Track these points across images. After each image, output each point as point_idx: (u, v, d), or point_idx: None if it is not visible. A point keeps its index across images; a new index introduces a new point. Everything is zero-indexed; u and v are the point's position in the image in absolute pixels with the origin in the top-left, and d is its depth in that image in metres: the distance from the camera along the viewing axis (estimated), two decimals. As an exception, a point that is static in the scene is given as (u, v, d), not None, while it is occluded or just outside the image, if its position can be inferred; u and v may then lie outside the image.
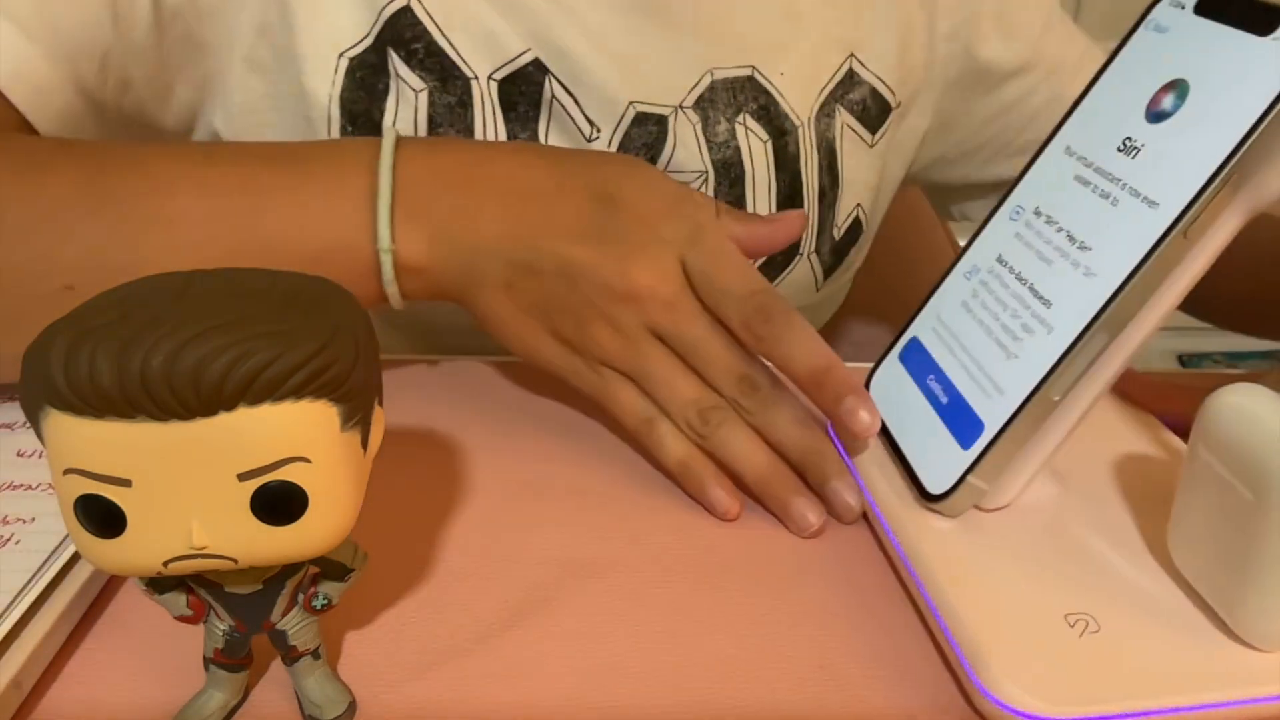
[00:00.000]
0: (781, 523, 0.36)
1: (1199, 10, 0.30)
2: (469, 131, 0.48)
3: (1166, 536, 0.30)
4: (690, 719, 0.28)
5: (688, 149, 0.51)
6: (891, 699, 0.29)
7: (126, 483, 0.22)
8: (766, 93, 0.53)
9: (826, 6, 0.54)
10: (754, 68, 0.52)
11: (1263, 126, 0.26)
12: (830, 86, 0.55)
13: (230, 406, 0.21)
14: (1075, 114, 0.34)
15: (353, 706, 0.28)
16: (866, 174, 0.58)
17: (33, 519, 0.33)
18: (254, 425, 0.22)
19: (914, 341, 0.37)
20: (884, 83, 0.57)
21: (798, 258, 0.56)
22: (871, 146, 0.58)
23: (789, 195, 0.55)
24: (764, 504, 0.36)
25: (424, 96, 0.47)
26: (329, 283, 0.25)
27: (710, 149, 0.51)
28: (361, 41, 0.46)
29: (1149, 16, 0.32)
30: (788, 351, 0.36)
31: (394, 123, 0.47)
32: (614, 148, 0.50)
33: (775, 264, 0.56)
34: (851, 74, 0.56)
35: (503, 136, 0.48)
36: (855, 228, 0.59)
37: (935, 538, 0.32)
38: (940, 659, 0.30)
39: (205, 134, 0.50)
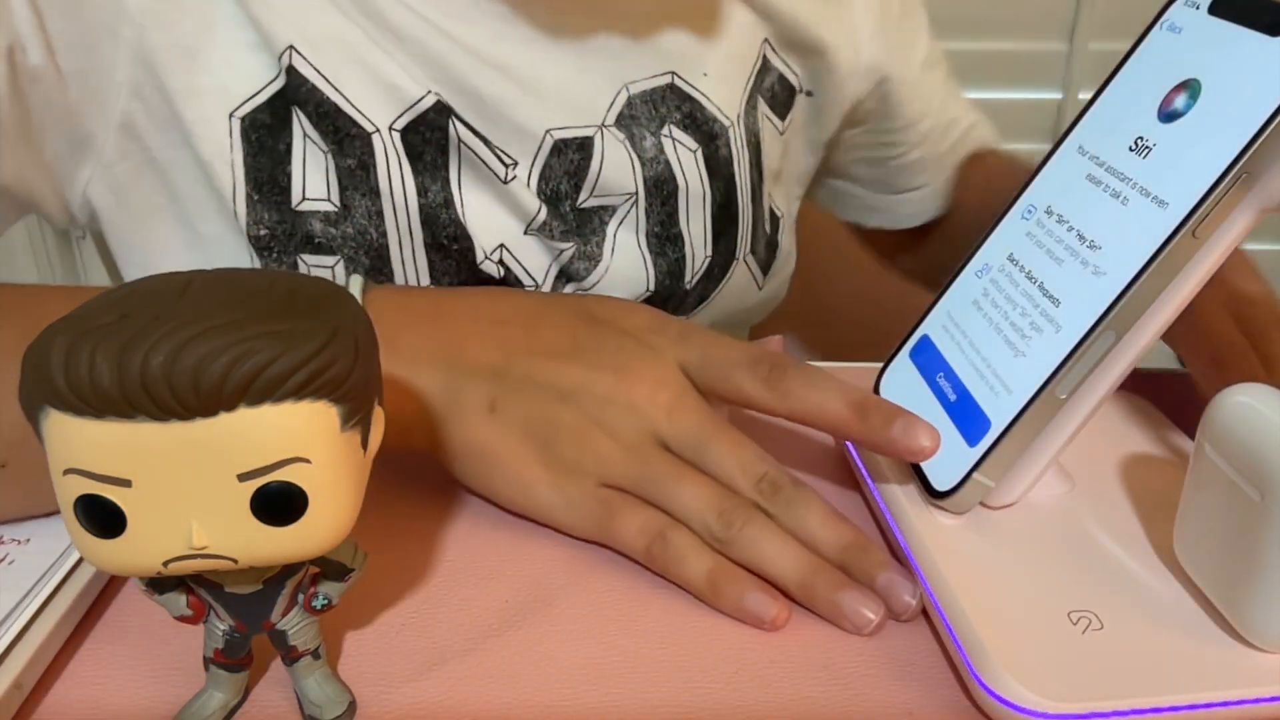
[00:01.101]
0: (834, 624, 0.31)
1: (1213, 10, 0.30)
2: (375, 193, 0.44)
3: (1172, 535, 0.30)
4: (690, 719, 0.28)
5: (618, 169, 0.48)
6: (893, 695, 0.29)
7: (126, 483, 0.21)
8: (690, 99, 0.51)
9: None
10: (674, 74, 0.50)
11: (1272, 126, 0.26)
12: (753, 78, 0.54)
13: (230, 407, 0.21)
14: (1089, 114, 0.34)
15: (353, 706, 0.28)
16: (779, 161, 0.57)
17: (27, 539, 0.33)
18: (254, 425, 0.21)
19: (925, 339, 0.37)
20: (790, 68, 0.56)
21: (735, 263, 0.54)
22: (782, 134, 0.57)
23: (723, 203, 0.52)
24: (810, 606, 0.31)
25: (330, 159, 0.44)
26: (329, 283, 0.25)
27: (642, 166, 0.49)
28: (254, 98, 0.43)
29: (1164, 17, 0.32)
30: (814, 397, 0.33)
31: (303, 186, 0.44)
32: (534, 181, 0.47)
33: (713, 275, 0.54)
34: (765, 61, 0.55)
35: (411, 189, 0.45)
36: (775, 218, 0.58)
37: (941, 534, 0.32)
38: (943, 655, 0.30)
39: (91, 218, 0.46)
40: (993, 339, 0.33)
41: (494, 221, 0.46)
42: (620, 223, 0.49)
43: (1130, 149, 0.31)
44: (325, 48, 0.43)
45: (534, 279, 0.48)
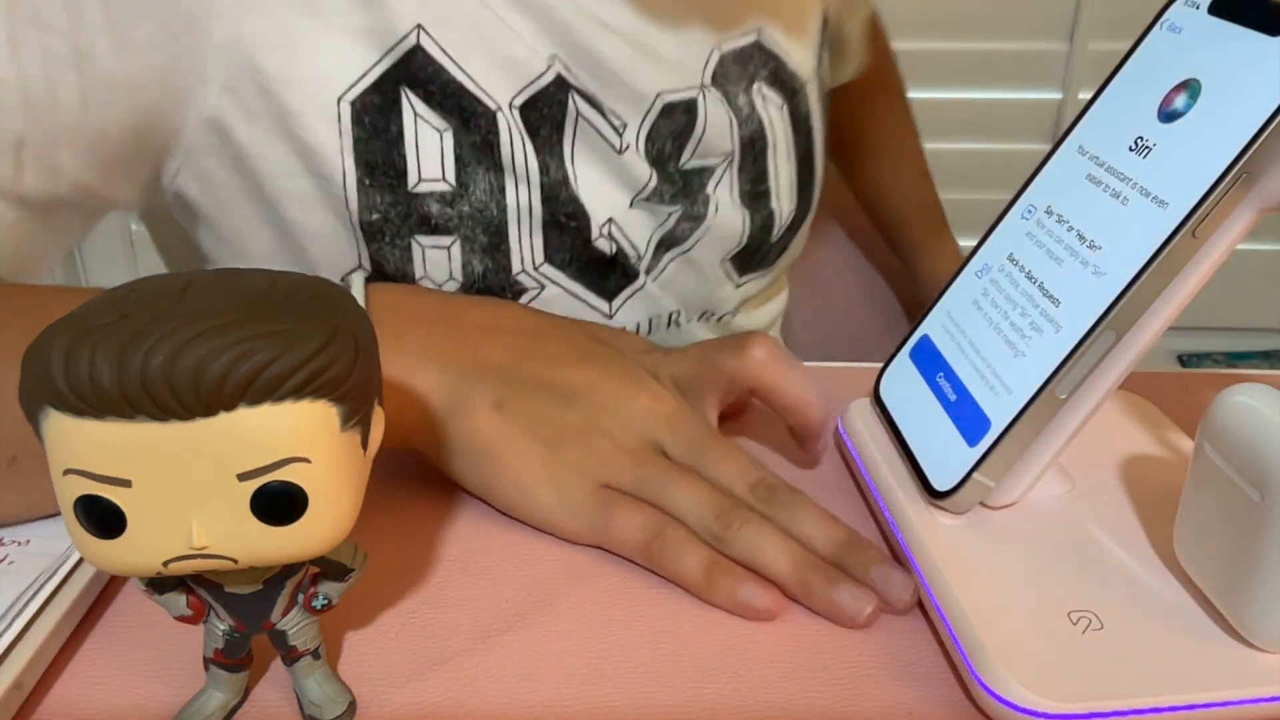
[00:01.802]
0: (829, 620, 0.31)
1: (1213, 10, 0.30)
2: (498, 169, 0.44)
3: (1172, 536, 0.30)
4: (690, 719, 0.28)
5: (718, 129, 0.49)
6: (893, 695, 0.29)
7: (126, 483, 0.21)
8: (774, 56, 0.52)
9: None
10: (758, 32, 0.52)
11: (1272, 126, 0.26)
12: (818, 34, 0.56)
13: (230, 406, 0.21)
14: (1089, 114, 0.34)
15: (353, 706, 0.28)
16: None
17: (27, 540, 0.33)
18: (254, 425, 0.21)
19: (925, 339, 0.37)
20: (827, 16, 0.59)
21: (811, 213, 0.58)
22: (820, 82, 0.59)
23: (803, 158, 0.55)
24: (806, 603, 0.32)
25: (449, 136, 0.43)
26: (329, 283, 0.25)
27: (740, 125, 0.51)
28: (360, 81, 0.42)
29: (1164, 17, 0.32)
30: (786, 377, 0.36)
31: (419, 167, 0.43)
32: (642, 140, 0.47)
33: (794, 226, 0.56)
34: (826, 17, 0.58)
35: (533, 166, 0.45)
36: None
37: (941, 534, 0.32)
38: (943, 655, 0.30)
39: (178, 206, 0.45)
40: (993, 339, 0.33)
41: (604, 195, 0.47)
42: (718, 183, 0.51)
43: (1130, 149, 0.31)
44: (452, 25, 0.42)
45: (638, 249, 0.49)
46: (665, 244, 0.50)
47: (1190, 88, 0.30)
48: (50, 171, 0.39)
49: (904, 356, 0.38)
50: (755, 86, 0.52)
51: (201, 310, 0.22)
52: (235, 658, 0.27)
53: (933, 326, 0.37)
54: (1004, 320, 0.33)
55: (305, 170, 0.43)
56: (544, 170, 0.45)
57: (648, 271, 0.50)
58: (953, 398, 0.34)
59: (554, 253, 0.47)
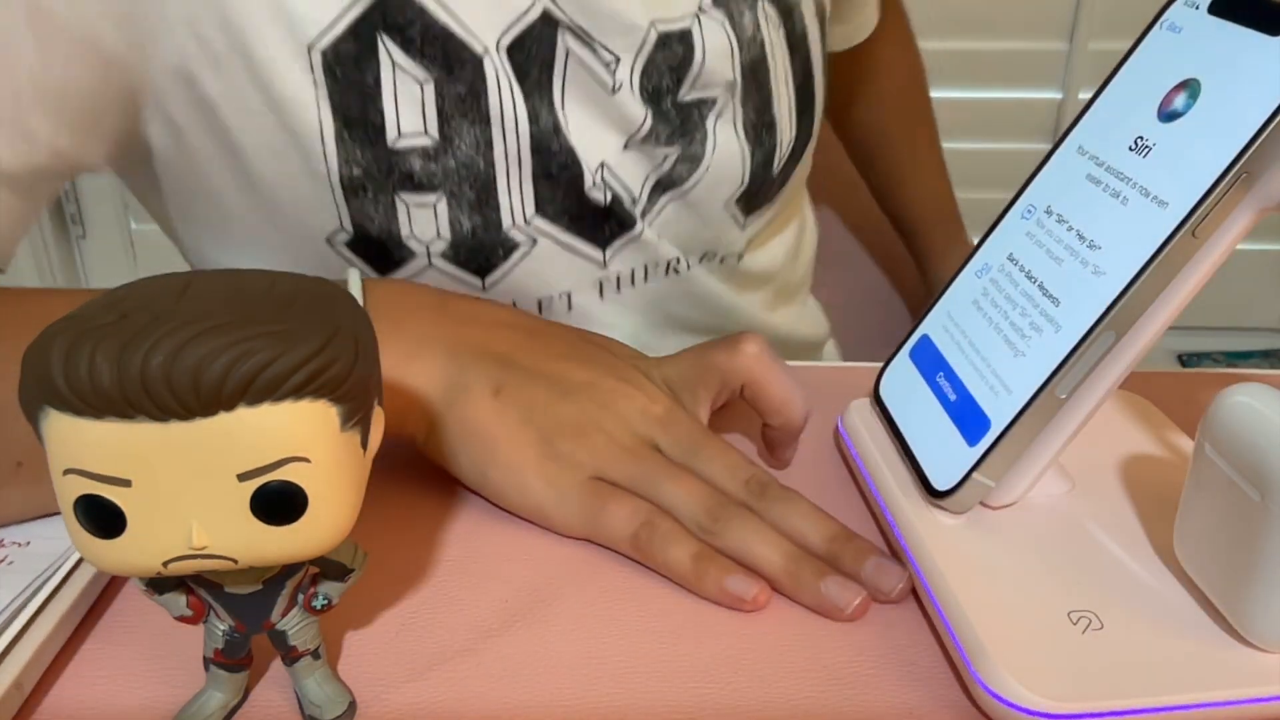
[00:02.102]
0: (818, 613, 0.32)
1: (1213, 10, 0.30)
2: (485, 121, 0.42)
3: (1172, 536, 0.30)
4: (690, 719, 0.28)
5: (719, 56, 0.47)
6: (894, 695, 0.29)
7: (126, 483, 0.21)
8: None
9: None
10: None
11: (1272, 126, 0.26)
12: None
13: (230, 406, 0.21)
14: (1089, 113, 0.34)
15: (353, 706, 0.28)
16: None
17: (27, 542, 0.33)
18: (254, 425, 0.21)
19: (925, 339, 0.37)
20: None
21: (811, 141, 0.55)
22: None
23: (802, 81, 0.52)
24: (794, 597, 0.32)
25: (429, 88, 0.41)
26: (329, 283, 0.25)
27: (741, 50, 0.48)
28: (334, 26, 0.39)
29: (1164, 16, 0.32)
30: (774, 377, 0.37)
31: (397, 122, 0.41)
32: (636, 75, 0.45)
33: (795, 156, 0.53)
34: None
35: (523, 114, 0.43)
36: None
37: (940, 534, 0.32)
38: (943, 655, 0.30)
39: (148, 163, 0.44)
40: (993, 339, 0.33)
41: (597, 139, 0.45)
42: (719, 117, 0.48)
43: (1130, 149, 0.31)
44: None
45: (632, 193, 0.47)
46: (662, 186, 0.48)
47: (1190, 88, 0.30)
48: (25, 139, 0.37)
49: (904, 356, 0.38)
50: (759, 5, 0.49)
51: (201, 310, 0.22)
52: (235, 658, 0.27)
53: (933, 326, 0.37)
54: (1004, 320, 0.33)
55: (279, 124, 0.41)
56: (533, 118, 0.43)
57: (643, 215, 0.48)
58: (953, 397, 0.34)
59: (545, 204, 0.45)
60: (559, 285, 0.48)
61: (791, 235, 0.60)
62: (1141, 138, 0.31)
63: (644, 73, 0.45)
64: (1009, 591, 0.30)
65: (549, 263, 0.47)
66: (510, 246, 0.45)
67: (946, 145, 0.82)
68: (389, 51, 0.40)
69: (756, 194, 0.52)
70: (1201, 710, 0.27)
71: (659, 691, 0.29)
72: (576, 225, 0.47)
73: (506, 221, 0.45)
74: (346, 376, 0.22)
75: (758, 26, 0.48)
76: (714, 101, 0.48)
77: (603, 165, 0.46)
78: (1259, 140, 0.26)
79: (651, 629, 0.31)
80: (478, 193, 0.44)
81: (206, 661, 0.27)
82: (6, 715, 0.27)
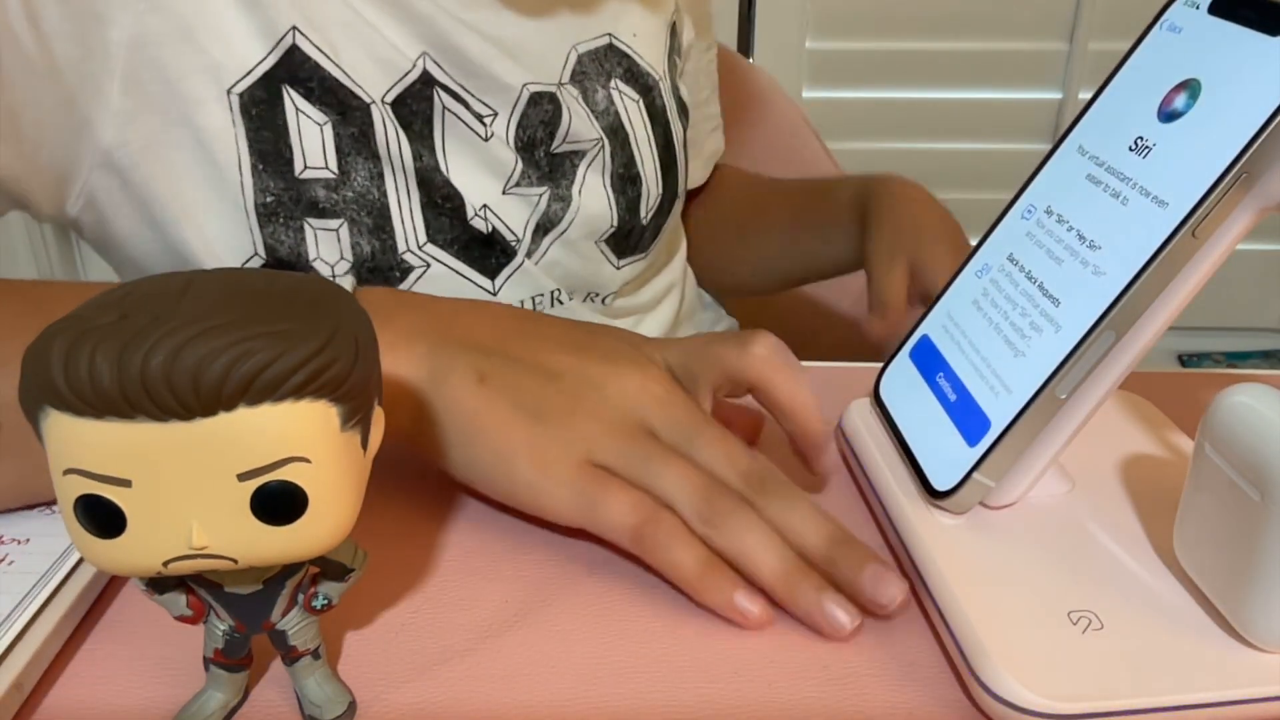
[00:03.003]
0: (811, 627, 0.31)
1: (1213, 10, 0.30)
2: (375, 157, 0.47)
3: (1172, 536, 0.30)
4: (690, 719, 0.28)
5: (580, 119, 0.53)
6: (894, 695, 0.29)
7: (126, 483, 0.21)
8: (626, 55, 0.57)
9: None
10: (610, 35, 0.56)
11: (1272, 126, 0.26)
12: (668, 36, 0.60)
13: (230, 406, 0.21)
14: (1089, 113, 0.34)
15: (353, 707, 0.28)
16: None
17: (27, 540, 0.33)
18: (254, 425, 0.21)
19: (925, 339, 0.37)
20: (680, 19, 0.63)
21: (678, 199, 0.61)
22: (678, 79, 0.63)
23: (664, 146, 0.59)
24: (789, 608, 0.31)
25: (328, 129, 0.47)
26: (329, 282, 0.25)
27: (595, 118, 0.54)
28: (247, 76, 0.45)
29: (1164, 17, 0.32)
30: (784, 377, 0.35)
31: (303, 156, 0.46)
32: (511, 132, 0.51)
33: (663, 209, 0.59)
34: (674, 25, 0.61)
35: (407, 154, 0.48)
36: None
37: (941, 534, 0.32)
38: (943, 655, 0.30)
39: (81, 210, 0.47)
40: (992, 339, 0.33)
41: (476, 180, 0.51)
42: (589, 165, 0.54)
43: (1130, 149, 0.31)
44: (325, 26, 0.46)
45: (515, 234, 0.52)
46: (543, 228, 0.53)
47: (1190, 88, 0.30)
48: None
49: (904, 356, 0.38)
50: (612, 83, 0.56)
51: (201, 310, 0.22)
52: (235, 658, 0.27)
53: (932, 326, 0.37)
54: (1004, 320, 0.33)
55: (203, 159, 0.45)
56: (417, 157, 0.49)
57: (529, 255, 0.53)
58: (953, 398, 0.34)
59: (435, 233, 0.50)
60: None
61: (659, 286, 0.64)
62: (1141, 138, 0.31)
63: (519, 125, 0.51)
64: (1009, 591, 0.30)
65: (442, 288, 0.50)
66: (406, 269, 0.50)
67: (946, 145, 0.81)
68: (292, 99, 0.46)
69: (626, 237, 0.57)
70: (1201, 710, 0.27)
71: (659, 691, 0.29)
72: (465, 254, 0.51)
73: (401, 246, 0.49)
74: (346, 376, 0.22)
75: (611, 101, 0.55)
76: (584, 153, 0.54)
77: (485, 206, 0.51)
78: (1259, 140, 0.26)
79: (651, 629, 0.31)
80: (374, 219, 0.48)
81: (206, 661, 0.27)
82: (6, 715, 0.27)
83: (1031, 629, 0.28)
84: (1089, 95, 0.34)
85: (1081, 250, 0.31)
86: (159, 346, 0.21)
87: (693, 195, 0.72)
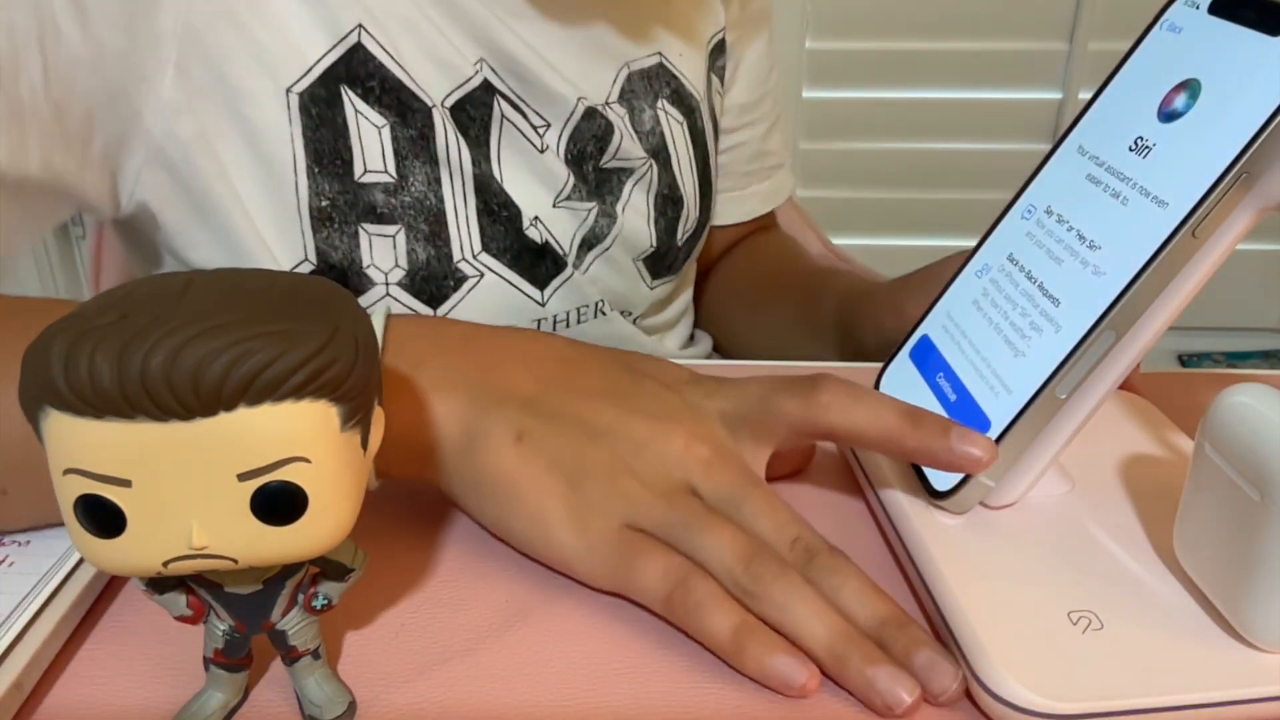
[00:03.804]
0: (863, 702, 0.28)
1: (1213, 10, 0.30)
2: (434, 161, 0.47)
3: (1172, 536, 0.30)
4: (690, 719, 0.28)
5: (629, 139, 0.53)
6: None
7: (126, 483, 0.21)
8: (675, 76, 0.57)
9: None
10: (660, 54, 0.56)
11: (1272, 126, 0.26)
12: (708, 58, 0.60)
13: (230, 406, 0.21)
14: (1089, 113, 0.34)
15: (353, 707, 0.28)
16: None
17: (27, 541, 0.33)
18: (254, 425, 0.21)
19: (924, 339, 0.37)
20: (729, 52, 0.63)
21: (711, 220, 0.62)
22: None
23: (701, 170, 0.59)
24: (838, 679, 0.29)
25: (386, 132, 0.46)
26: (329, 283, 0.25)
27: (640, 139, 0.54)
28: (307, 75, 0.44)
29: (1164, 17, 0.32)
30: (861, 409, 0.32)
31: (364, 159, 0.45)
32: (563, 144, 0.51)
33: (698, 233, 0.60)
34: (720, 42, 0.61)
35: (466, 160, 0.47)
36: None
37: (941, 534, 0.32)
38: (944, 659, 0.30)
39: (135, 205, 0.46)
40: (992, 339, 0.33)
41: (530, 191, 0.50)
42: (635, 184, 0.55)
43: (1130, 149, 0.31)
44: (389, 25, 0.45)
45: (563, 246, 0.52)
46: (588, 243, 0.54)
47: (1190, 88, 0.30)
48: (19, 145, 0.39)
49: (904, 356, 0.38)
50: (659, 103, 0.56)
51: (201, 310, 0.22)
52: (235, 658, 0.27)
53: (932, 326, 0.37)
54: (1004, 320, 0.33)
55: (254, 156, 0.44)
56: (475, 164, 0.48)
57: (575, 266, 0.53)
58: (953, 398, 0.34)
59: (489, 241, 0.49)
60: (501, 322, 0.45)
61: (679, 305, 0.65)
62: (1141, 138, 0.31)
63: (571, 138, 0.51)
64: (1009, 591, 0.30)
65: (494, 298, 0.50)
66: (460, 278, 0.49)
67: (946, 145, 0.81)
68: (351, 100, 0.45)
69: (662, 258, 0.58)
70: (1201, 710, 0.27)
71: (659, 691, 0.29)
72: (518, 264, 0.51)
73: (457, 254, 0.48)
74: (347, 376, 0.22)
75: (657, 121, 0.56)
76: (632, 171, 0.54)
77: (537, 218, 0.51)
78: (1259, 140, 0.27)
79: (651, 629, 0.31)
80: (430, 225, 0.48)
81: (206, 661, 0.27)
82: (6, 715, 0.27)
83: (1031, 629, 0.28)
84: (1089, 95, 0.34)
85: (1081, 250, 0.31)
86: (159, 346, 0.21)
87: (723, 236, 0.69)
